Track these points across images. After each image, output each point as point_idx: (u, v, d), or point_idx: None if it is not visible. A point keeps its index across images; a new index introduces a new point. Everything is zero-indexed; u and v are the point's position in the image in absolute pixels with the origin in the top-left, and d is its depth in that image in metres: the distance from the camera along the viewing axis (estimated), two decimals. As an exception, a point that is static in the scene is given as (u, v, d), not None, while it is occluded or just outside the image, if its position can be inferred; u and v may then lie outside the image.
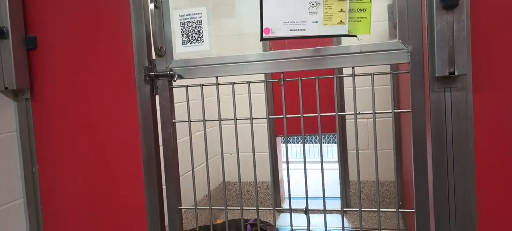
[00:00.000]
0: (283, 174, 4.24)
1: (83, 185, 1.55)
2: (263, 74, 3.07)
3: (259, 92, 3.82)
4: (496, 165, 1.13)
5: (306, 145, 1.33)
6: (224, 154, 1.40)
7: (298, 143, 7.78)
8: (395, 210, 1.20)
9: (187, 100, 1.36)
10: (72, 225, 1.57)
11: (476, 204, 1.16)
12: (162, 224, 1.47)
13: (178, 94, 1.42)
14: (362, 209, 1.22)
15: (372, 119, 3.66)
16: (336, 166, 5.61)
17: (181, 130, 1.44)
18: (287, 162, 1.32)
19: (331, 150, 6.81)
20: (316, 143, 7.72)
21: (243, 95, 3.70)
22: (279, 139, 4.07)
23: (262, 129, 3.90)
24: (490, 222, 1.17)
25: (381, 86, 3.56)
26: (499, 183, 1.14)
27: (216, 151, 3.92)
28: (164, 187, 1.44)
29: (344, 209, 1.27)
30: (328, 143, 7.68)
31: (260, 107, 3.73)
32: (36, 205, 1.60)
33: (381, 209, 1.20)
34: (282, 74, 1.22)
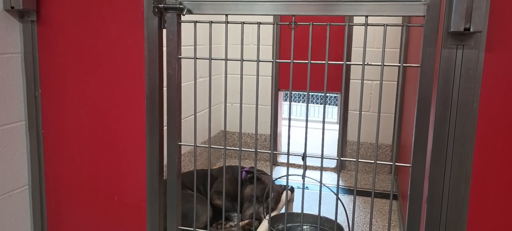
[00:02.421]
0: (282, 129, 4.28)
1: (85, 114, 1.56)
2: (272, 18, 3.03)
3: (266, 44, 3.79)
4: (498, 128, 1.14)
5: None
6: (225, 103, 1.39)
7: (299, 102, 7.79)
8: (391, 163, 1.22)
9: (195, 36, 1.35)
10: (72, 150, 1.60)
11: (472, 165, 1.17)
12: (160, 159, 1.49)
13: (184, 37, 1.40)
14: (359, 160, 1.23)
15: (375, 82, 3.66)
16: (335, 127, 5.66)
17: (184, 75, 1.43)
18: (290, 108, 1.32)
19: (331, 112, 6.84)
20: (317, 103, 7.74)
21: (249, 46, 3.68)
22: (281, 94, 4.08)
23: (265, 82, 3.90)
24: (483, 183, 1.18)
25: (388, 49, 3.53)
26: (498, 146, 1.15)
27: (217, 100, 3.93)
28: (165, 128, 1.45)
29: (341, 158, 1.29)
30: (329, 104, 7.69)
31: (266, 57, 3.72)
32: (37, 128, 1.62)
33: (377, 162, 1.21)
34: (293, 17, 1.20)
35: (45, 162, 1.64)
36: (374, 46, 3.49)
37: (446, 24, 1.06)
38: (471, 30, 1.01)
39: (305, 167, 1.29)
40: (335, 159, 1.37)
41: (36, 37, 1.56)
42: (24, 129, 1.61)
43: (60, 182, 1.64)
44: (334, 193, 1.35)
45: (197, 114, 1.44)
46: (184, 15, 1.33)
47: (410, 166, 1.19)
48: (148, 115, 1.45)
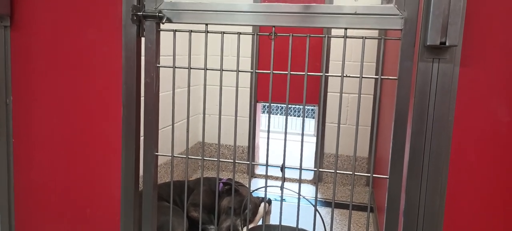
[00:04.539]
0: (260, 141, 4.27)
1: (59, 123, 1.52)
2: (251, 29, 3.04)
3: (244, 56, 3.80)
4: (472, 141, 1.16)
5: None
6: (204, 113, 1.38)
7: (277, 114, 7.82)
8: (369, 174, 1.22)
9: (174, 45, 1.33)
10: (44, 161, 1.54)
11: (447, 177, 1.19)
12: (136, 169, 1.45)
13: (162, 47, 1.38)
14: (337, 171, 1.24)
15: (351, 95, 3.71)
16: (312, 139, 5.70)
17: (161, 85, 1.41)
18: (269, 118, 1.32)
19: (308, 124, 6.89)
20: (295, 116, 7.78)
21: (228, 58, 3.68)
22: (259, 106, 4.08)
23: (243, 94, 3.89)
24: (458, 195, 1.20)
25: (364, 62, 3.59)
26: (472, 159, 1.17)
27: (194, 112, 3.90)
28: (141, 138, 1.42)
29: (320, 170, 1.29)
30: (306, 117, 7.75)
31: (245, 69, 3.73)
32: (7, 137, 1.56)
33: (355, 173, 1.22)
34: (273, 28, 1.21)
35: (15, 171, 1.58)
36: (351, 59, 3.55)
37: (422, 38, 1.09)
38: (447, 44, 1.03)
39: (284, 178, 1.29)
40: (314, 170, 1.37)
41: (9, 43, 1.52)
42: (-6, 137, 1.55)
43: (30, 192, 1.58)
44: (312, 205, 1.35)
45: (174, 125, 1.42)
46: (163, 23, 1.32)
47: (387, 178, 1.20)
48: (125, 124, 1.42)
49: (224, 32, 1.29)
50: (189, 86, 1.36)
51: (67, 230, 1.57)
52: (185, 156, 1.41)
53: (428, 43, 1.05)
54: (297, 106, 7.46)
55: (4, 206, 1.59)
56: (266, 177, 1.36)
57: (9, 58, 1.53)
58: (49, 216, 1.57)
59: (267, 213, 2.62)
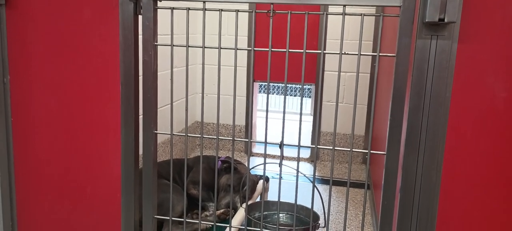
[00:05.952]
0: (257, 120, 4.29)
1: (57, 101, 1.52)
2: (248, 6, 3.01)
3: (241, 35, 3.78)
4: (468, 117, 1.18)
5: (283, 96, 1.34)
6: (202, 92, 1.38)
7: (273, 93, 7.83)
8: (367, 150, 1.24)
9: (171, 23, 1.33)
10: (43, 140, 1.55)
11: (443, 153, 1.21)
12: (136, 148, 1.46)
13: (159, 25, 1.37)
14: (335, 148, 1.25)
15: (348, 73, 3.71)
16: (309, 118, 5.73)
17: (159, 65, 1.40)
18: (268, 96, 1.32)
19: (305, 103, 6.90)
20: (291, 95, 7.80)
21: (224, 37, 3.66)
22: (256, 85, 4.08)
23: (240, 73, 3.89)
24: (454, 171, 1.22)
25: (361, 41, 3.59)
26: (468, 135, 1.19)
27: (192, 91, 3.90)
28: (140, 116, 1.43)
29: (318, 146, 1.31)
30: (303, 97, 7.77)
31: (241, 47, 3.72)
32: (6, 116, 1.56)
33: (353, 150, 1.24)
34: (272, 5, 1.20)
35: (15, 151, 1.59)
36: (348, 38, 3.55)
37: (421, 15, 1.09)
38: (446, 20, 1.04)
39: (282, 155, 1.30)
40: (312, 147, 1.39)
41: (4, 22, 1.50)
42: (-8, 116, 1.55)
43: (30, 172, 1.59)
44: (311, 181, 1.37)
45: (173, 103, 1.42)
46: (160, 1, 1.31)
47: (385, 154, 1.21)
48: (123, 103, 1.42)
49: (222, 10, 1.28)
50: (187, 65, 1.36)
51: (68, 209, 1.58)
52: (184, 134, 1.42)
53: (426, 20, 1.05)
54: (294, 85, 7.46)
55: (5, 184, 1.60)
56: (265, 155, 1.37)
57: (5, 37, 1.51)
58: (50, 195, 1.59)
59: (265, 190, 2.66)
